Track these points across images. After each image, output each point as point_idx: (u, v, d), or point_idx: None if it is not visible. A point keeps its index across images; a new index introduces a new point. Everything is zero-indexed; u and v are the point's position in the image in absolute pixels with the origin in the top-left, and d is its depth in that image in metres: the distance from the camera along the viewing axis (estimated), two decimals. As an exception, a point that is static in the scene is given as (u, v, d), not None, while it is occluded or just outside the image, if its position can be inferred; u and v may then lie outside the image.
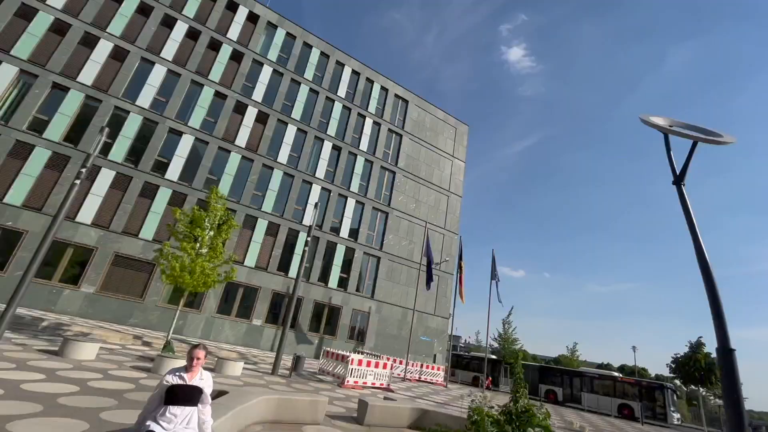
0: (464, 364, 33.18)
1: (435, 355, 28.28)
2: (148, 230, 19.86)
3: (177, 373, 3.46)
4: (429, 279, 21.52)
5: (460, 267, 24.49)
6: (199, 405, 3.44)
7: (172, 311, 18.01)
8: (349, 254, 26.33)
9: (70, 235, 18.09)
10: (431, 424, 8.45)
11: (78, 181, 11.19)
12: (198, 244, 12.43)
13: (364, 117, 29.51)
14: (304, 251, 13.39)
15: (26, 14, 19.37)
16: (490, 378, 31.02)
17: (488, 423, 5.68)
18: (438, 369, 22.72)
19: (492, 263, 25.33)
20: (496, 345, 35.71)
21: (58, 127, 18.80)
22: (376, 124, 30.05)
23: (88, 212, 18.70)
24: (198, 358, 3.50)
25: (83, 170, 11.13)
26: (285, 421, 6.85)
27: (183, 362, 10.92)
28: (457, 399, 15.93)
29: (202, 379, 3.53)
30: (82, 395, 6.23)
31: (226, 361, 11.01)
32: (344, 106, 28.74)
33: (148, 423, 3.21)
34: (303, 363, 13.79)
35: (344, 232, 26.41)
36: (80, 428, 4.74)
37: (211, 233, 12.90)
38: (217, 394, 5.88)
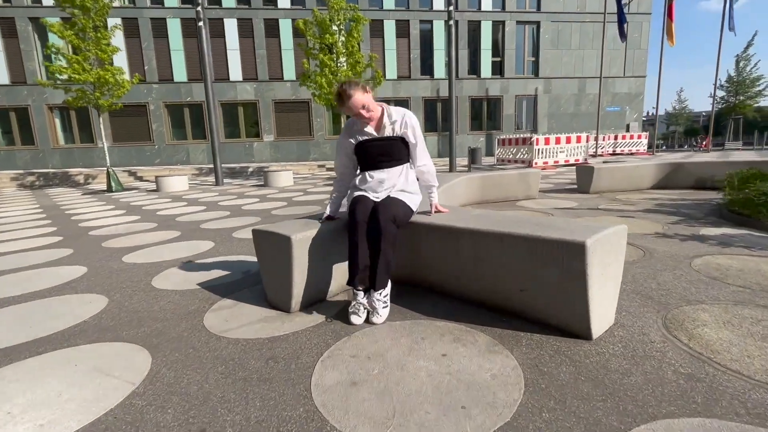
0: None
1: (628, 125, 23.43)
2: (289, 70, 19.69)
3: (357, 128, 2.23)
4: (622, 21, 15.58)
5: (668, -9, 16.89)
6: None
7: (339, 140, 18.85)
8: (498, 30, 21.29)
9: (233, 96, 19.52)
10: (690, 180, 6.20)
11: (201, 23, 10.55)
12: (334, 55, 11.00)
13: None
14: (449, 42, 10.42)
15: None
16: (709, 137, 24.67)
17: None
18: (639, 137, 18.71)
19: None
20: (722, 94, 26.55)
21: (170, -10, 18.37)
22: None
23: (235, 69, 19.37)
24: (349, 97, 2.02)
25: (201, 23, 10.29)
26: (494, 200, 5.79)
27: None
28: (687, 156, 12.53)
29: (394, 121, 2.17)
30: (290, 207, 6.41)
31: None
32: None
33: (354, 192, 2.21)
34: (480, 155, 12.63)
35: (486, 2, 20.86)
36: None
37: (343, 38, 11.14)
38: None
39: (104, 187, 12.50)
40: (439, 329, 1.83)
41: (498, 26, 21.24)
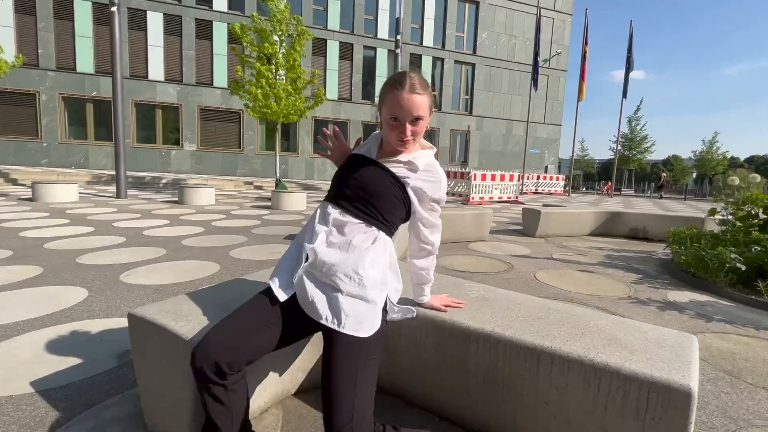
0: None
1: (546, 167, 25.69)
2: (220, 76, 18.13)
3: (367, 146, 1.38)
4: (535, 74, 17.25)
5: (584, 54, 19.13)
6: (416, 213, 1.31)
7: (273, 156, 17.64)
8: (437, 66, 22.18)
9: (151, 96, 17.30)
10: (624, 228, 6.44)
11: (114, 9, 9.00)
12: (273, 66, 10.13)
13: None
14: (396, 67, 10.28)
15: None
16: (609, 183, 28.07)
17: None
18: (557, 179, 20.43)
19: (629, 42, 19.21)
20: (619, 148, 30.72)
21: (81, -31, 15.95)
22: None
23: (156, 67, 17.27)
24: (414, 90, 1.18)
25: (114, 8, 8.75)
26: (444, 240, 5.34)
27: (297, 193, 9.98)
28: (600, 201, 13.75)
29: (414, 162, 1.27)
30: (207, 235, 5.29)
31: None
32: None
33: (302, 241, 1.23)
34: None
35: (428, 38, 21.67)
36: (211, 270, 3.54)
37: (284, 50, 10.35)
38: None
39: (-43, 189, 9.78)
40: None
41: (437, 62, 22.13)
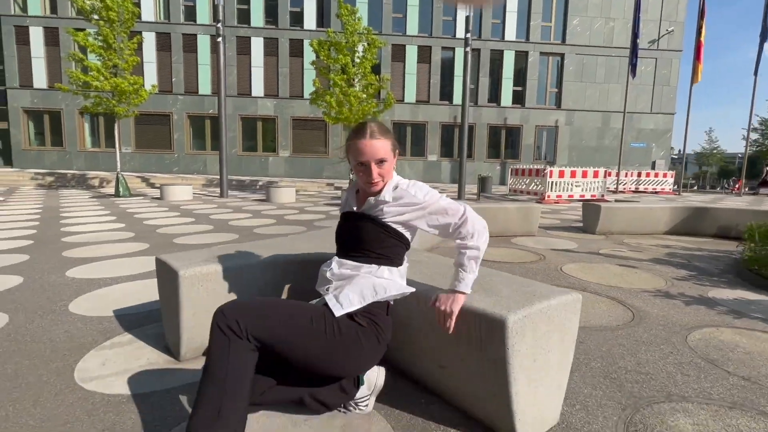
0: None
1: (653, 163, 22.50)
2: (309, 89, 19.98)
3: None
4: (634, 58, 15.24)
5: (699, 29, 16.43)
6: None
7: (353, 159, 18.85)
8: (521, 60, 21.12)
9: (254, 110, 19.93)
10: (712, 227, 5.61)
11: (220, 39, 10.81)
12: (346, 75, 11.01)
13: None
14: (465, 67, 10.29)
15: None
16: (741, 180, 23.37)
17: None
18: (664, 175, 17.84)
19: (765, 7, 15.93)
20: (757, 137, 25.45)
21: (203, 10, 19.21)
22: None
23: (258, 85, 19.85)
24: (372, 135, 1.33)
25: (220, 38, 10.56)
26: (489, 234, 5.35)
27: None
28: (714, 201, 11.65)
29: (382, 199, 1.38)
30: (276, 225, 6.17)
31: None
32: None
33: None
34: (490, 184, 12.20)
35: (510, 32, 20.82)
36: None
37: (357, 59, 11.16)
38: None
39: (113, 191, 12.69)
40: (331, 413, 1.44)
41: (521, 56, 21.10)
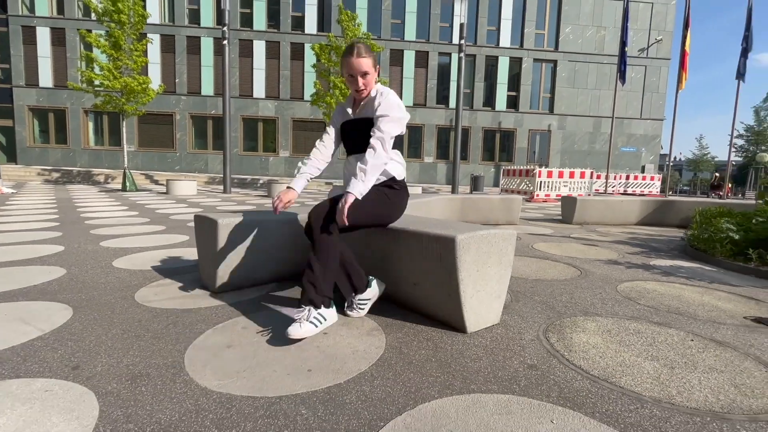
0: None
1: (643, 167, 23.20)
2: (310, 91, 20.57)
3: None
4: (623, 65, 15.87)
5: (683, 39, 17.12)
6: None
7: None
8: (515, 66, 21.82)
9: (255, 111, 20.46)
10: (676, 218, 6.17)
11: (225, 42, 11.34)
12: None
13: None
14: (459, 72, 10.88)
15: None
16: (727, 185, 24.09)
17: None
18: (652, 178, 18.47)
19: (747, 18, 16.66)
20: (743, 143, 26.27)
21: (207, 13, 19.78)
22: None
23: (259, 87, 20.40)
24: (359, 54, 1.77)
25: (225, 41, 11.10)
26: (472, 221, 5.89)
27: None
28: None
29: (370, 101, 1.87)
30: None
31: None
32: None
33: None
34: (482, 183, 12.76)
35: (504, 39, 21.51)
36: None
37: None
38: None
39: (120, 186, 13.15)
40: (338, 317, 1.95)
41: (515, 62, 21.79)
